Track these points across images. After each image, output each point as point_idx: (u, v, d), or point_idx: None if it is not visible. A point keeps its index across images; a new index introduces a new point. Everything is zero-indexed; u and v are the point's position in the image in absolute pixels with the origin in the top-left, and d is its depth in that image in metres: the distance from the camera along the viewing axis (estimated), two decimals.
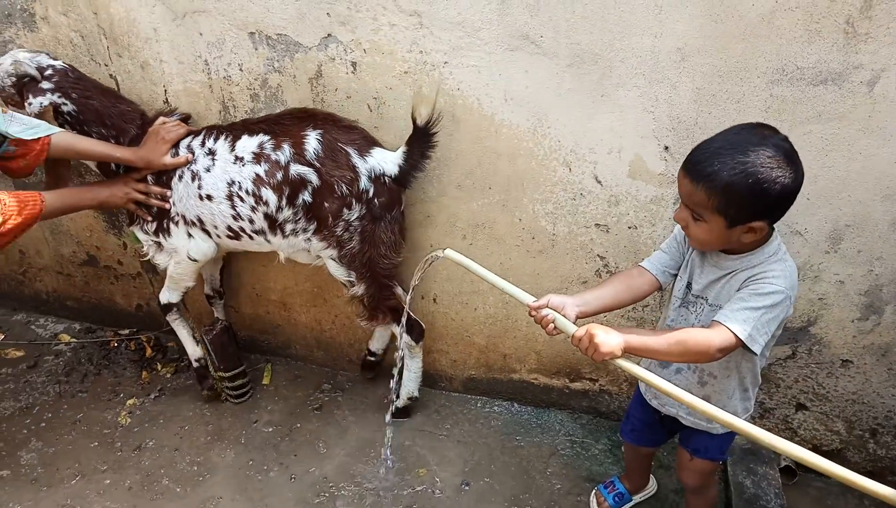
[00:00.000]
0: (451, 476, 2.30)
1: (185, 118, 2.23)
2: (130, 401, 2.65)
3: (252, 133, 2.03)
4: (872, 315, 2.00)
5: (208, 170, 2.07)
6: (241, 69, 2.18)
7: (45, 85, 2.03)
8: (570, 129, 1.97)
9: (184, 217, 2.17)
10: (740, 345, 1.36)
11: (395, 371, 2.21)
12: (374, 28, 1.97)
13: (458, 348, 2.56)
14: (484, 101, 2.00)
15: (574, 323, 1.44)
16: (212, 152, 2.07)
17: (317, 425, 2.53)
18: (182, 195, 2.13)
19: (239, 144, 2.03)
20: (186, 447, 2.44)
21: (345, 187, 1.98)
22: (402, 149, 2.01)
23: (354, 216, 2.04)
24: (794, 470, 2.24)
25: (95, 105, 2.09)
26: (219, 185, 2.06)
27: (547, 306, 1.44)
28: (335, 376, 2.79)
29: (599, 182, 2.03)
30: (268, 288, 2.66)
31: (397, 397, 2.52)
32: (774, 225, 1.42)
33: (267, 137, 2.01)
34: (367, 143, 2.03)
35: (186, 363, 2.83)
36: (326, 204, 2.02)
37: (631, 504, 2.15)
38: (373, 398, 2.65)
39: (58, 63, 2.07)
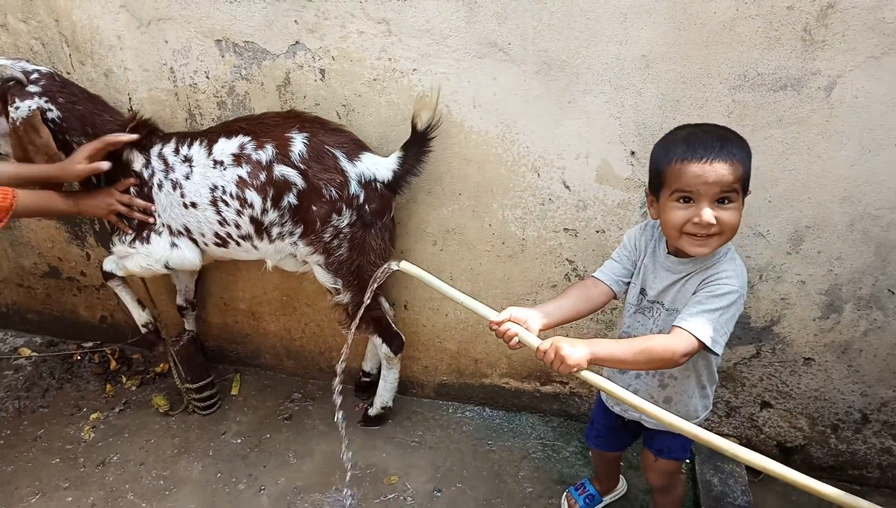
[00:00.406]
0: (422, 482, 2.29)
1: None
2: (94, 415, 2.58)
3: (230, 135, 1.98)
4: (833, 314, 2.05)
5: (188, 177, 2.02)
6: (207, 77, 2.16)
7: (32, 88, 1.94)
8: (539, 135, 1.99)
9: (169, 227, 2.11)
10: (702, 348, 1.38)
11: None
12: (342, 35, 1.97)
13: (429, 354, 2.56)
14: (453, 107, 2.01)
15: (538, 336, 1.42)
16: (188, 159, 2.02)
17: (287, 435, 2.50)
18: (165, 205, 2.07)
19: (216, 147, 1.98)
20: (152, 461, 2.38)
21: (334, 191, 1.94)
22: (397, 154, 1.99)
23: (345, 223, 2.00)
24: None
25: (81, 111, 2.02)
26: (201, 191, 2.01)
27: (509, 321, 1.41)
28: (305, 385, 2.76)
29: (567, 187, 2.05)
30: (236, 297, 2.62)
31: (371, 405, 2.50)
32: None
33: (247, 138, 1.96)
34: (357, 147, 2.00)
35: (152, 376, 2.78)
36: (314, 208, 1.97)
37: (601, 505, 2.17)
38: (344, 406, 2.63)
39: (43, 68, 2.00)
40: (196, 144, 2.02)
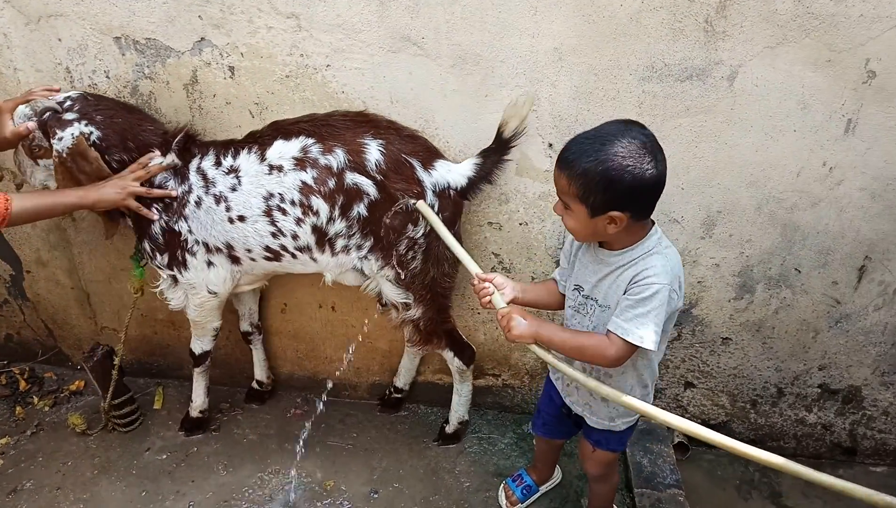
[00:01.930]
0: (358, 485, 2.26)
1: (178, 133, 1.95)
2: (3, 440, 2.41)
3: (288, 136, 1.83)
4: (746, 294, 2.14)
5: (234, 189, 1.86)
6: (107, 76, 2.04)
7: (69, 116, 1.81)
8: (458, 129, 1.98)
9: (206, 244, 1.95)
10: (635, 349, 1.44)
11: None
12: (250, 31, 1.90)
13: (360, 354, 2.52)
14: (370, 103, 1.97)
15: (507, 304, 1.58)
16: (233, 170, 1.86)
17: (215, 447, 2.41)
18: (206, 222, 1.91)
19: (271, 151, 1.83)
20: (70, 484, 2.25)
21: (410, 203, 1.83)
22: (474, 161, 1.90)
23: (420, 233, 1.89)
24: (687, 446, 2.36)
25: (121, 124, 1.87)
26: (251, 202, 1.85)
27: (492, 282, 1.59)
28: (233, 394, 2.66)
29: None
30: (153, 307, 2.51)
31: (447, 422, 2.43)
32: (652, 220, 1.48)
33: (311, 140, 1.81)
34: (431, 154, 1.89)
35: (66, 395, 2.63)
36: (388, 220, 1.85)
37: (538, 494, 2.20)
38: (274, 412, 2.56)
39: (73, 92, 1.86)
40: (243, 152, 1.86)
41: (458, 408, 2.39)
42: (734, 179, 1.94)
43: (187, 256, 1.98)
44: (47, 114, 1.81)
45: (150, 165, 1.88)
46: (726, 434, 1.26)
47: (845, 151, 1.87)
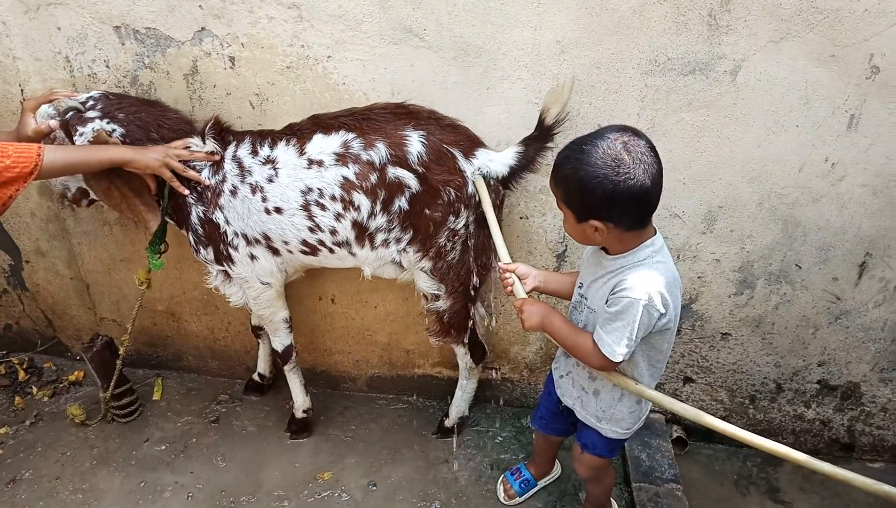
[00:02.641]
0: (357, 477, 2.26)
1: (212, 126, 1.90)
2: (2, 430, 2.42)
3: (328, 131, 1.80)
4: (746, 290, 2.14)
5: (271, 180, 1.82)
6: (107, 66, 2.03)
7: (91, 114, 1.81)
8: (460, 121, 1.97)
9: (245, 236, 1.92)
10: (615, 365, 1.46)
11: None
12: (251, 21, 1.89)
13: (359, 347, 2.52)
14: (371, 95, 1.96)
15: (528, 293, 1.64)
16: (270, 161, 1.82)
17: (214, 438, 2.41)
18: (242, 212, 1.88)
19: (311, 145, 1.79)
20: (69, 475, 2.25)
21: (452, 193, 1.81)
22: (516, 149, 1.86)
23: (461, 224, 1.87)
24: (685, 441, 2.37)
25: (144, 118, 1.86)
26: (289, 195, 1.82)
27: (514, 273, 1.65)
28: (232, 385, 2.67)
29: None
30: (152, 298, 2.50)
31: (446, 416, 2.43)
32: (655, 229, 1.45)
33: (352, 135, 1.78)
34: (472, 143, 1.85)
35: (65, 385, 2.63)
36: (427, 211, 1.83)
37: (536, 489, 2.20)
38: (274, 404, 2.57)
39: (95, 92, 1.86)
40: (281, 144, 1.83)
41: (460, 403, 2.38)
42: (736, 175, 1.93)
43: (230, 250, 1.96)
44: (70, 113, 1.81)
45: (192, 148, 1.86)
46: None
47: (847, 147, 1.86)
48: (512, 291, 1.64)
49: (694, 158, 1.92)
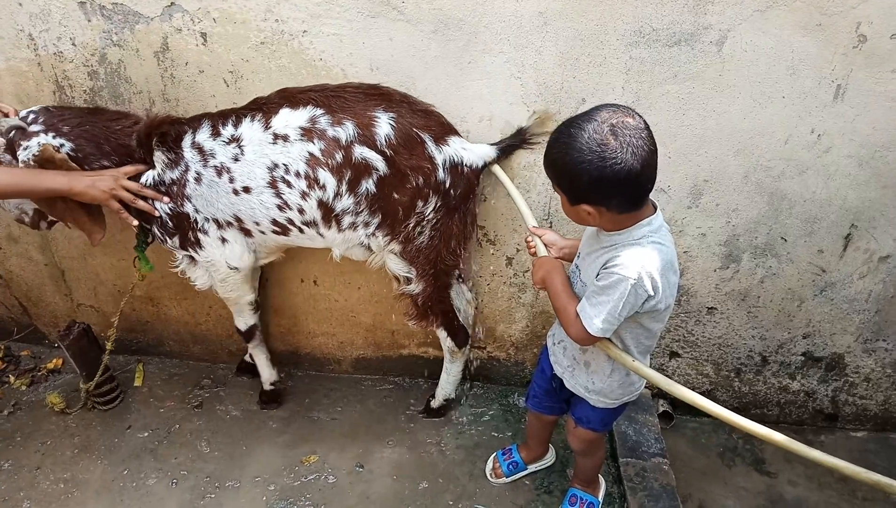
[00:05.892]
0: (344, 459, 2.24)
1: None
2: None
3: (296, 105, 1.74)
4: (732, 264, 2.13)
5: (237, 159, 1.77)
6: (73, 44, 1.95)
7: (35, 128, 1.76)
8: (441, 97, 1.92)
9: (216, 220, 1.88)
10: (593, 336, 1.42)
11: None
12: None
13: (343, 329, 2.49)
14: (349, 70, 1.90)
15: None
16: (234, 139, 1.77)
17: (198, 423, 2.38)
18: (210, 198, 1.83)
19: (277, 119, 1.74)
20: (50, 464, 2.22)
21: (420, 179, 1.78)
22: (491, 148, 1.90)
23: (430, 209, 1.85)
24: (672, 415, 2.37)
25: (89, 130, 1.80)
26: (255, 172, 1.77)
27: (541, 238, 1.69)
28: (215, 370, 2.63)
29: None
30: (130, 283, 2.44)
31: (433, 397, 2.42)
32: (654, 206, 1.41)
33: (320, 111, 1.73)
34: (444, 130, 1.82)
35: (44, 373, 2.58)
36: (396, 195, 1.80)
37: (524, 473, 2.18)
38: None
39: (35, 107, 1.81)
40: (245, 120, 1.77)
41: (446, 386, 2.37)
42: (721, 148, 1.91)
43: (200, 235, 1.92)
44: (13, 133, 1.75)
45: (143, 186, 1.84)
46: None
47: (834, 119, 1.84)
48: (535, 253, 1.68)
49: (679, 131, 1.89)
